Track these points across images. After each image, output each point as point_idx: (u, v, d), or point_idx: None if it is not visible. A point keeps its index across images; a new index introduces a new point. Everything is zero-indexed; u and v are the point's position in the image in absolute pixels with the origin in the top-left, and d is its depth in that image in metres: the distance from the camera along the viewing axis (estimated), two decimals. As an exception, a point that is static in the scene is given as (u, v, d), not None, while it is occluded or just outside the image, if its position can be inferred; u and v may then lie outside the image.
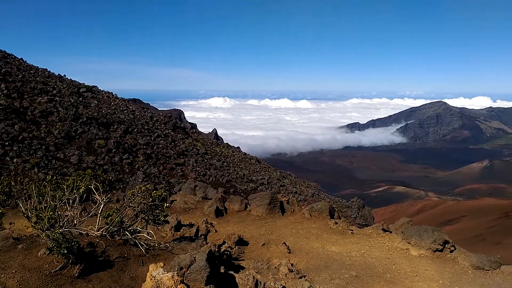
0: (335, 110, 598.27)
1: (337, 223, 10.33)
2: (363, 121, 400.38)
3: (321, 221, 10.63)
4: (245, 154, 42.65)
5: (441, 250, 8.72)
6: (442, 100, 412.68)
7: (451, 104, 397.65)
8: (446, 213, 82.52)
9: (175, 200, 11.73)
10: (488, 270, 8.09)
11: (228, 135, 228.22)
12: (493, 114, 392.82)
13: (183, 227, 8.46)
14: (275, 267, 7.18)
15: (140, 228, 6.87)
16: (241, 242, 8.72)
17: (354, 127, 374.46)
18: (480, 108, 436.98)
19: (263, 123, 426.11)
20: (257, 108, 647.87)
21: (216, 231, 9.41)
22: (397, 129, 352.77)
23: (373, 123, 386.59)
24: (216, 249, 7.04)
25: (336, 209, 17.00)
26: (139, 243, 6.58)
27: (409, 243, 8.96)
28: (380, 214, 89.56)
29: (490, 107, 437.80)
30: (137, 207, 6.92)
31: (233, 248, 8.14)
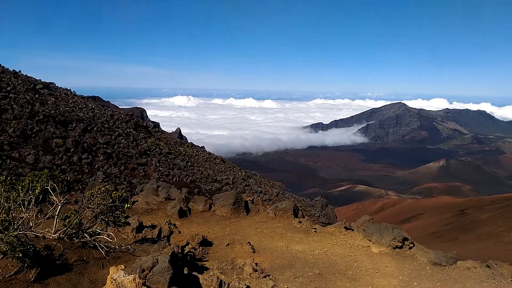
0: (299, 110, 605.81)
1: (301, 222, 10.43)
2: (326, 121, 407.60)
3: (285, 220, 10.71)
4: (209, 153, 42.33)
5: (401, 247, 8.99)
6: (402, 102, 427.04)
7: (410, 106, 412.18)
8: (405, 211, 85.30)
9: (137, 201, 11.45)
10: (445, 266, 8.41)
11: (192, 134, 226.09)
12: (450, 116, 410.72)
13: (145, 229, 8.27)
14: (240, 267, 7.16)
15: (100, 230, 6.66)
16: (205, 243, 8.63)
17: (317, 127, 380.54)
18: (437, 109, 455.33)
19: (228, 122, 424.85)
20: (222, 107, 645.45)
21: (179, 232, 9.27)
22: (358, 129, 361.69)
23: (336, 123, 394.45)
24: (179, 250, 6.93)
25: (300, 208, 17.20)
26: (99, 245, 6.37)
27: (370, 240, 9.18)
28: (343, 213, 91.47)
29: (447, 108, 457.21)
30: (97, 208, 6.69)
31: (197, 249, 8.04)
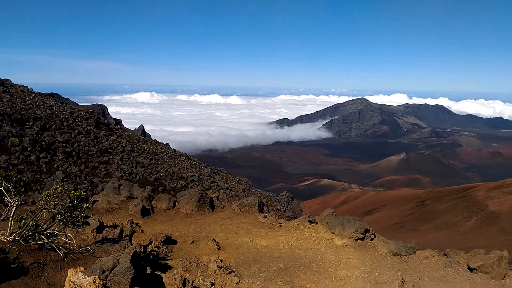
0: (264, 106, 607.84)
1: (266, 217, 10.47)
2: (291, 117, 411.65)
3: (250, 215, 10.72)
4: (174, 150, 41.75)
5: (363, 239, 9.20)
6: (364, 97, 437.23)
7: (371, 101, 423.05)
8: (368, 203, 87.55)
9: (98, 200, 11.11)
10: (405, 256, 8.68)
11: (156, 132, 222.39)
12: (409, 110, 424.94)
13: (106, 229, 8.03)
14: (204, 264, 7.10)
15: (58, 231, 6.41)
16: (169, 241, 8.49)
17: (283, 122, 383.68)
18: (397, 104, 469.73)
19: (193, 119, 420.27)
20: (187, 104, 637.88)
21: (142, 231, 9.07)
22: (323, 125, 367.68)
23: (301, 119, 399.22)
24: (142, 250, 6.77)
25: (266, 203, 17.24)
26: (57, 247, 6.15)
27: (333, 233, 9.34)
28: (308, 206, 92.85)
29: (407, 103, 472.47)
30: (54, 209, 6.43)
31: (160, 247, 7.89)
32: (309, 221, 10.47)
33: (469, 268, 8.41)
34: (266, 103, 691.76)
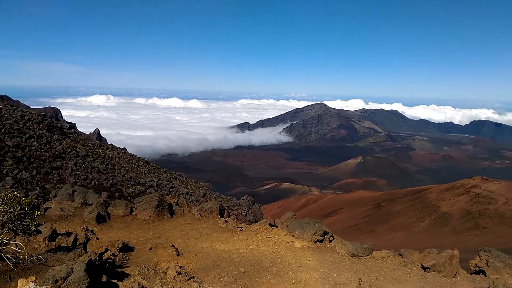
0: (225, 110, 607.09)
1: (226, 222, 10.41)
2: (252, 121, 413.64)
3: (211, 220, 10.61)
4: (132, 155, 40.71)
5: (321, 241, 9.35)
6: (322, 102, 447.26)
7: (330, 106, 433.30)
8: (327, 206, 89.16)
9: (50, 207, 10.62)
10: (362, 257, 8.90)
11: (112, 136, 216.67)
12: (366, 115, 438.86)
13: (59, 236, 7.70)
14: (163, 271, 6.94)
15: (7, 240, 6.09)
16: (126, 248, 8.25)
17: (244, 127, 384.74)
18: (354, 109, 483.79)
19: (152, 122, 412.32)
20: (145, 107, 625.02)
21: (97, 238, 8.76)
22: (283, 129, 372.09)
23: (262, 123, 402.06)
24: (97, 258, 6.53)
25: (227, 208, 17.11)
26: (6, 256, 5.83)
27: (293, 236, 9.43)
28: (269, 210, 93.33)
29: (363, 108, 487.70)
30: (3, 216, 6.10)
31: (116, 255, 7.65)
32: (270, 224, 10.51)
33: (422, 267, 8.73)
34: (227, 107, 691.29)
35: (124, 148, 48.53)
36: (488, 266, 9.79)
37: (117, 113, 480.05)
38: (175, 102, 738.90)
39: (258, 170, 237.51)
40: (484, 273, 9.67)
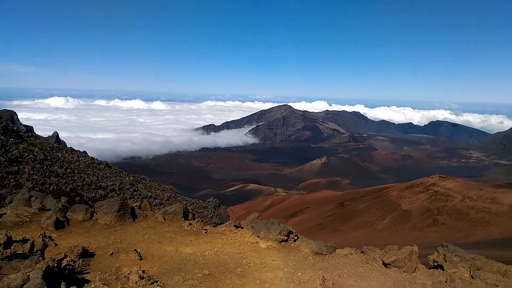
0: (190, 112, 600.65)
1: (191, 224, 10.29)
2: (218, 123, 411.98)
3: (175, 223, 10.45)
4: (92, 158, 39.51)
5: (286, 240, 9.42)
6: (288, 104, 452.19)
7: (295, 107, 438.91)
8: (292, 206, 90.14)
9: (5, 213, 10.12)
10: (326, 255, 9.04)
11: (72, 139, 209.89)
12: (329, 116, 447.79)
13: (15, 243, 7.34)
14: (125, 276, 6.76)
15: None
16: (86, 254, 7.98)
17: (209, 128, 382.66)
18: (318, 111, 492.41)
19: (114, 125, 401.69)
20: (106, 109, 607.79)
21: (56, 244, 8.42)
22: (249, 131, 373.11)
23: (228, 125, 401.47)
24: (55, 265, 6.28)
25: (192, 210, 16.90)
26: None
27: (258, 236, 9.44)
28: (235, 212, 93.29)
29: (327, 110, 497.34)
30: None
31: (76, 261, 7.38)
32: (235, 226, 10.48)
33: (383, 263, 8.96)
34: (192, 109, 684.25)
35: (85, 152, 47.08)
36: (445, 260, 10.19)
37: (77, 116, 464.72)
38: (137, 104, 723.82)
39: (224, 172, 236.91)
40: (442, 268, 10.06)
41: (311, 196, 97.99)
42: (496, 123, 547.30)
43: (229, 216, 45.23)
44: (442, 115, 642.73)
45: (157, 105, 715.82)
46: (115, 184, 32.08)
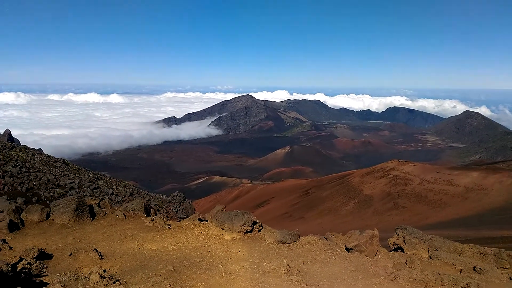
0: (149, 105, 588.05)
1: (153, 220, 10.09)
2: (179, 115, 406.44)
3: (136, 220, 10.21)
4: (49, 156, 37.93)
5: (251, 231, 9.43)
6: (249, 94, 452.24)
7: (257, 98, 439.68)
8: (258, 196, 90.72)
9: (-48, 219, 9.52)
10: (290, 243, 9.13)
11: (25, 136, 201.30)
12: (291, 106, 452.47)
13: (-37, 250, 6.93)
14: (85, 277, 6.53)
15: None
16: (44, 256, 7.64)
17: (170, 121, 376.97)
18: (280, 100, 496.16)
19: (69, 120, 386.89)
20: (60, 104, 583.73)
21: (10, 248, 8.01)
22: (211, 122, 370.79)
23: (189, 117, 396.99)
24: (10, 269, 6.00)
25: (153, 206, 16.57)
26: None
27: (222, 228, 9.40)
28: (201, 205, 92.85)
29: (288, 99, 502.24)
30: None
31: (33, 264, 7.06)
32: (199, 219, 10.38)
33: (346, 248, 9.17)
34: (151, 101, 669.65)
35: (40, 149, 45.13)
36: (405, 242, 10.57)
37: (29, 112, 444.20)
38: (93, 97, 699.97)
39: (188, 165, 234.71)
40: (402, 250, 10.43)
41: (276, 186, 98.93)
42: (449, 107, 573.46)
43: (194, 210, 44.92)
44: (399, 101, 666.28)
45: (114, 98, 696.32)
46: (74, 182, 31.01)
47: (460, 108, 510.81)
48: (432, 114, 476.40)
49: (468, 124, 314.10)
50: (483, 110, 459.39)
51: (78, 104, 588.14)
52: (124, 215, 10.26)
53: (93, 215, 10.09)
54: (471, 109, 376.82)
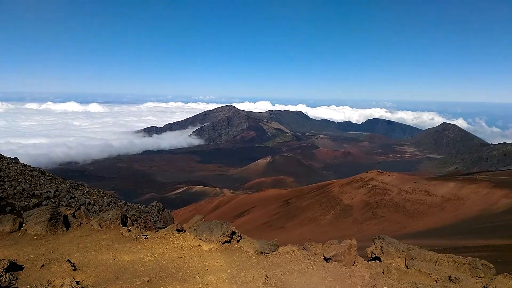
0: (130, 114, 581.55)
1: (130, 231, 9.90)
2: (160, 124, 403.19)
3: (112, 230, 9.99)
4: (24, 165, 36.96)
5: (229, 241, 9.35)
6: (231, 104, 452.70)
7: (239, 108, 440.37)
8: (239, 206, 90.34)
9: None
10: (269, 253, 9.08)
11: (1, 145, 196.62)
12: (273, 116, 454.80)
13: None
14: (57, 289, 6.35)
15: None
16: (14, 267, 7.39)
17: (151, 130, 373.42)
18: (262, 111, 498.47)
19: (47, 129, 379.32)
20: (38, 113, 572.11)
21: (-21, 260, 7.74)
22: (193, 132, 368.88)
23: (170, 127, 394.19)
24: (-24, 283, 5.77)
25: (133, 216, 16.29)
26: None
27: (201, 239, 9.29)
28: (181, 215, 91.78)
29: (270, 110, 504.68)
30: None
31: (2, 275, 6.82)
32: (177, 230, 10.23)
33: (324, 258, 9.18)
34: (132, 110, 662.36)
35: (16, 158, 43.95)
36: (382, 252, 10.65)
37: (6, 120, 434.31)
38: (72, 106, 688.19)
39: (168, 174, 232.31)
40: (380, 259, 10.50)
41: (257, 196, 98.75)
42: (427, 119, 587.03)
43: (173, 220, 44.36)
44: (378, 113, 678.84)
45: (94, 107, 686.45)
46: (50, 192, 30.26)
47: (438, 120, 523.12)
48: (410, 125, 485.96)
49: (445, 136, 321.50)
50: (460, 122, 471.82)
51: (56, 113, 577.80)
52: (100, 226, 10.03)
53: (67, 225, 9.84)
54: (448, 121, 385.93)
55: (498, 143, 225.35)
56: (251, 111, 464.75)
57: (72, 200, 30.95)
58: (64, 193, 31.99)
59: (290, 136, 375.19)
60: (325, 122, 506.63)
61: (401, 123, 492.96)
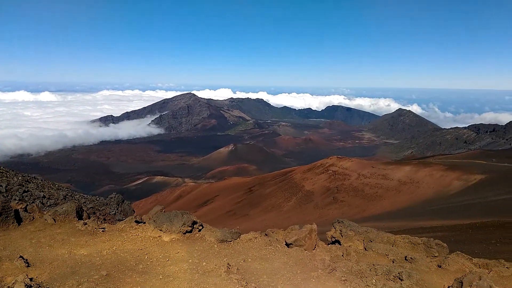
0: (84, 103, 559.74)
1: (86, 224, 9.57)
2: (117, 113, 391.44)
3: (67, 224, 9.61)
4: (-28, 159, 34.95)
5: (191, 231, 9.26)
6: (191, 92, 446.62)
7: (199, 96, 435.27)
8: (202, 195, 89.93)
9: None
10: (231, 241, 9.07)
11: None
12: (234, 104, 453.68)
13: None
14: (9, 287, 6.04)
15: None
16: (-39, 268, 6.98)
17: (107, 120, 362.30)
18: (223, 99, 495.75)
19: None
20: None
21: None
22: (152, 121, 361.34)
23: (128, 116, 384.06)
24: None
25: (90, 209, 15.76)
26: None
27: (161, 230, 9.13)
28: (141, 206, 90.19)
29: (232, 98, 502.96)
30: None
31: None
32: (136, 221, 9.99)
33: (286, 243, 9.29)
34: (86, 99, 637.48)
35: (-40, 151, 41.42)
36: (342, 235, 10.93)
37: None
38: (22, 95, 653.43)
39: (127, 165, 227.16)
40: (339, 242, 10.77)
41: (220, 184, 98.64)
42: (384, 106, 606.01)
43: (134, 212, 43.47)
44: (337, 100, 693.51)
45: (46, 96, 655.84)
46: (1, 186, 28.77)
47: (394, 106, 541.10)
48: (368, 112, 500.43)
49: (401, 122, 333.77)
50: (415, 108, 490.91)
51: (5, 103, 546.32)
52: (54, 220, 9.63)
53: (19, 220, 9.38)
54: (403, 107, 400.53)
55: (451, 128, 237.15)
56: (212, 99, 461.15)
57: (25, 194, 29.60)
58: (17, 187, 30.52)
59: (252, 124, 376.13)
60: (286, 110, 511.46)
61: (359, 110, 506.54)
